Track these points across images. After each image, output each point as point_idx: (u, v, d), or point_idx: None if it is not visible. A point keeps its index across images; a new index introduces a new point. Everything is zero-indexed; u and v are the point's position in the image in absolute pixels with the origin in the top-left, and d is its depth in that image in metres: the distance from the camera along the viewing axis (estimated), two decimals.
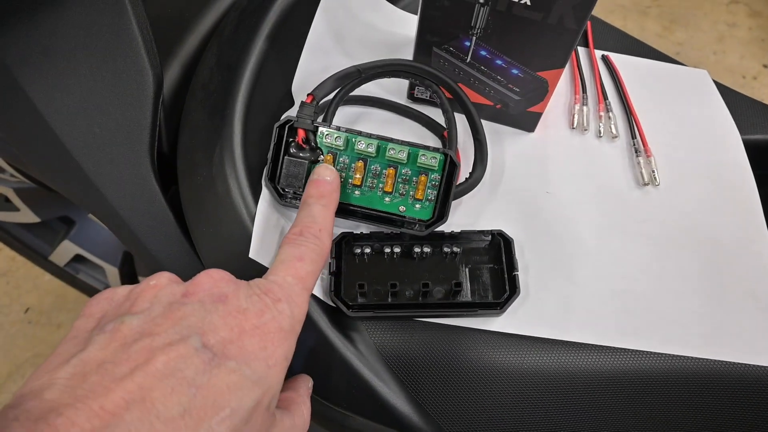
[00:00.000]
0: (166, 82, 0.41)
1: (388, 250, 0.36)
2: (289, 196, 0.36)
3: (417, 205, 0.35)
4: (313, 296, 0.35)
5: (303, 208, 0.32)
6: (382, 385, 0.34)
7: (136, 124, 0.37)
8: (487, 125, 0.42)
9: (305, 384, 0.31)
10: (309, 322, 0.34)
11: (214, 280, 0.26)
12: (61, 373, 0.20)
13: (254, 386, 0.22)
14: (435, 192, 0.35)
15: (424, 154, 0.34)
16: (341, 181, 0.35)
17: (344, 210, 0.36)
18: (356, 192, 0.35)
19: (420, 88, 0.42)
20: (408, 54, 0.45)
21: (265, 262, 0.34)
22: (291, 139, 0.35)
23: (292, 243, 0.29)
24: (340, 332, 0.35)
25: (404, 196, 0.35)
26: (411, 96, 0.43)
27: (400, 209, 0.35)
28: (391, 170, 0.35)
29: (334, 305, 0.34)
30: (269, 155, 0.35)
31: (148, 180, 0.37)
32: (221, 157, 0.36)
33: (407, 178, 0.35)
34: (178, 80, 0.42)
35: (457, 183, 0.37)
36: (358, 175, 0.35)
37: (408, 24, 0.48)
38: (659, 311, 0.36)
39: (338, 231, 0.37)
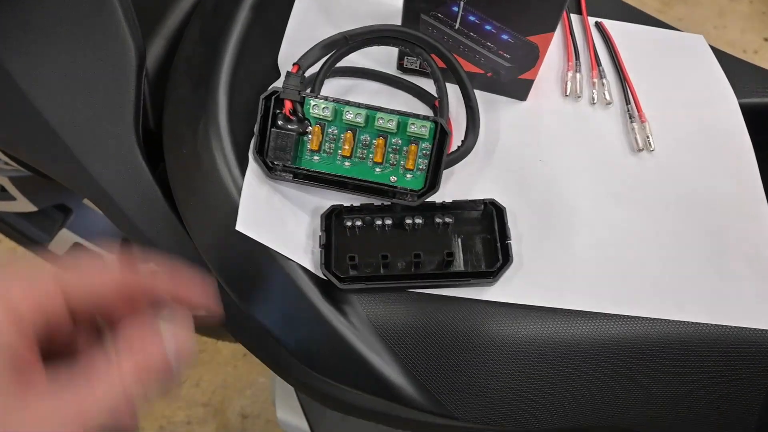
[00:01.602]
0: (151, 59, 0.40)
1: (379, 222, 0.36)
2: (278, 169, 0.35)
3: (408, 175, 0.35)
4: (304, 269, 0.34)
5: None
6: (375, 357, 0.34)
7: (119, 99, 0.36)
8: (478, 95, 0.41)
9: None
10: (300, 296, 0.34)
11: None
12: None
13: None
14: (426, 161, 0.34)
15: (413, 123, 0.33)
16: (330, 153, 0.34)
17: (335, 182, 0.35)
18: (346, 163, 0.35)
19: (410, 58, 0.42)
20: (395, 23, 0.44)
21: (252, 234, 0.33)
22: (278, 111, 0.34)
23: None
24: (332, 305, 0.34)
25: (395, 166, 0.35)
26: (400, 66, 0.43)
27: (392, 179, 0.35)
28: (381, 140, 0.34)
29: (325, 278, 0.34)
30: (256, 128, 0.34)
31: (134, 156, 0.37)
32: (206, 130, 0.35)
33: (397, 147, 0.34)
34: (163, 56, 0.41)
35: (449, 152, 0.36)
36: (347, 146, 0.34)
37: None
38: (655, 277, 0.36)
39: (328, 203, 0.36)
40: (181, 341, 0.24)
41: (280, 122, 0.34)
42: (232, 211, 0.34)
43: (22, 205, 0.79)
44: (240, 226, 0.33)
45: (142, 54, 0.36)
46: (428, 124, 0.33)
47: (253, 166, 0.35)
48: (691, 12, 1.58)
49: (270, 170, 0.35)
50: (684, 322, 0.34)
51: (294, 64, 0.34)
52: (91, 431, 0.22)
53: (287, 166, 0.35)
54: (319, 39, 0.37)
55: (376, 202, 0.36)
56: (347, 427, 0.69)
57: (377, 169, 0.35)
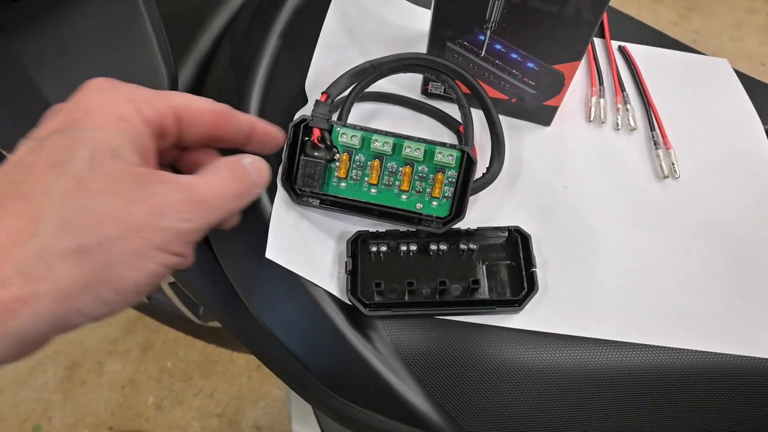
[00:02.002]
0: (180, 82, 0.41)
1: (404, 248, 0.36)
2: (306, 195, 0.36)
3: (434, 203, 0.35)
4: (330, 295, 0.34)
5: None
6: (399, 383, 0.34)
7: None
8: (502, 120, 0.41)
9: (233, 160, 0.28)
10: (325, 320, 0.34)
11: None
12: None
13: (85, 141, 0.23)
14: (452, 189, 0.35)
15: (440, 152, 0.34)
16: (357, 180, 0.35)
17: (361, 208, 0.36)
18: (372, 190, 0.35)
19: (434, 83, 0.42)
20: (421, 50, 0.45)
21: (281, 261, 0.34)
22: (306, 138, 0.35)
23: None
24: (357, 330, 0.34)
25: (421, 193, 0.35)
26: (425, 91, 0.43)
27: (417, 206, 0.35)
28: (408, 168, 0.35)
29: (350, 304, 0.34)
30: (284, 155, 0.35)
31: None
32: None
33: (424, 175, 0.35)
34: (192, 79, 0.42)
35: (474, 179, 0.36)
36: (374, 174, 0.35)
37: (421, 19, 0.47)
38: (681, 307, 0.36)
39: (353, 228, 0.36)
40: (259, 164, 0.29)
41: (308, 150, 0.35)
42: (260, 237, 0.34)
43: None
44: (270, 254, 0.33)
45: (174, 80, 0.37)
46: (455, 152, 0.34)
47: (281, 193, 0.36)
48: (708, 24, 1.58)
49: (297, 196, 0.35)
50: (710, 352, 0.34)
51: (323, 93, 0.35)
52: (210, 222, 0.25)
53: (314, 193, 0.35)
54: (345, 64, 0.37)
55: (402, 228, 0.36)
56: None
57: (403, 197, 0.35)
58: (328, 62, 0.43)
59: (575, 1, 0.33)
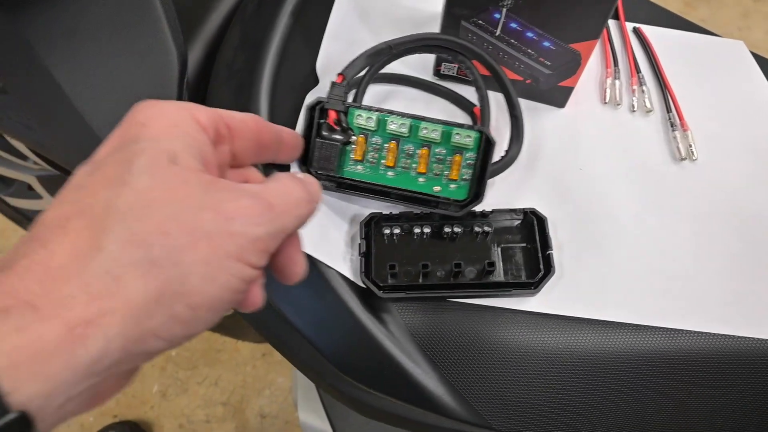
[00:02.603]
0: (189, 62, 0.40)
1: (417, 230, 0.36)
2: (322, 178, 0.35)
3: (452, 185, 0.34)
4: (344, 277, 0.34)
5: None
6: (413, 366, 0.34)
7: None
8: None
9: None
10: (339, 303, 0.34)
11: None
12: None
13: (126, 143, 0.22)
14: (470, 171, 0.34)
15: (458, 133, 0.33)
16: (374, 162, 0.34)
17: (378, 191, 0.35)
18: (389, 173, 0.35)
19: (447, 64, 0.41)
20: (433, 30, 0.44)
21: None
22: (322, 121, 0.34)
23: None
24: (371, 313, 0.34)
25: (438, 176, 0.34)
26: (437, 72, 0.42)
27: (435, 189, 0.34)
28: (425, 150, 0.34)
29: (364, 286, 0.34)
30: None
31: None
32: None
33: (441, 157, 0.34)
34: (201, 60, 0.41)
35: (492, 161, 0.36)
36: (390, 156, 0.34)
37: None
38: (699, 290, 0.35)
39: (366, 211, 0.36)
40: (311, 180, 0.27)
41: (324, 132, 0.34)
42: None
43: (48, 203, 0.80)
44: None
45: (184, 60, 0.36)
46: (473, 134, 0.33)
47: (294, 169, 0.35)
48: (714, 13, 1.56)
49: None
50: (728, 335, 0.34)
51: (338, 75, 0.34)
52: (282, 227, 0.23)
53: (331, 176, 0.35)
54: (356, 45, 0.37)
55: (416, 210, 0.36)
56: (371, 430, 0.69)
57: (421, 179, 0.34)
58: (339, 42, 0.42)
59: None
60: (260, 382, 1.08)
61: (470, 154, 0.34)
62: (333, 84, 0.33)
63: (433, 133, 0.33)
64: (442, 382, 0.34)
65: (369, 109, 0.34)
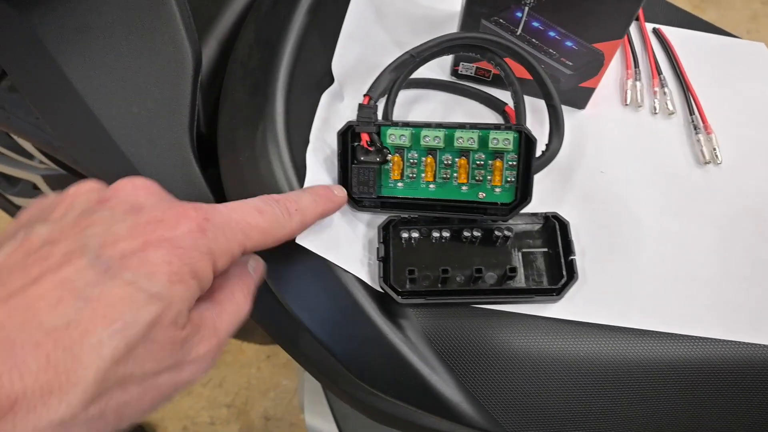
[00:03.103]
0: (202, 60, 0.40)
1: (436, 234, 0.35)
2: (364, 203, 0.35)
3: (497, 189, 0.33)
4: (360, 281, 0.33)
5: (297, 191, 0.32)
6: (431, 373, 0.33)
7: (175, 103, 0.35)
8: (535, 102, 0.40)
9: (241, 267, 0.28)
10: (356, 308, 0.33)
11: (134, 187, 0.24)
12: None
13: (151, 300, 0.21)
14: (514, 173, 0.33)
15: (495, 137, 0.32)
16: (413, 177, 0.34)
17: (421, 205, 0.34)
18: (431, 186, 0.34)
19: (465, 64, 0.40)
20: (452, 29, 0.43)
21: (311, 247, 0.32)
22: (355, 143, 0.33)
23: (263, 200, 0.28)
24: (389, 319, 0.33)
25: (481, 182, 0.33)
26: (455, 72, 0.42)
27: (480, 196, 0.33)
28: (463, 160, 0.33)
29: (382, 291, 0.33)
30: (337, 164, 0.34)
31: (187, 161, 0.36)
32: (264, 136, 0.35)
33: (481, 162, 0.33)
34: (215, 57, 0.40)
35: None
36: (429, 171, 0.33)
37: None
38: (725, 297, 0.34)
39: (384, 214, 0.35)
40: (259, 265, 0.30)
41: (359, 155, 0.34)
42: None
43: None
44: (300, 239, 0.32)
45: (198, 58, 0.36)
46: (511, 134, 0.32)
47: (311, 175, 0.34)
48: (723, 15, 1.55)
49: (357, 203, 0.35)
50: (757, 344, 0.33)
51: (365, 95, 0.33)
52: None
53: (372, 199, 0.34)
54: (371, 46, 0.36)
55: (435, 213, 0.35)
56: None
57: (464, 188, 0.34)
58: (356, 42, 0.41)
59: None
60: (265, 384, 1.08)
61: (511, 155, 0.33)
62: (360, 106, 0.33)
63: (470, 141, 0.32)
64: (459, 388, 0.33)
65: (401, 125, 0.33)
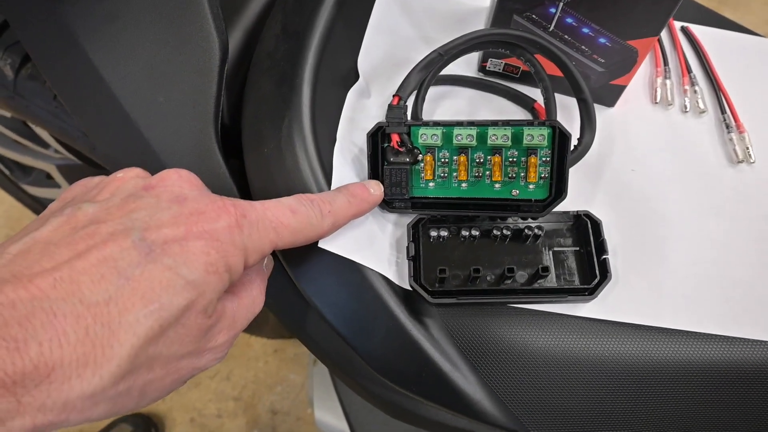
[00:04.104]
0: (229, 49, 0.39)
1: (465, 232, 0.34)
2: (395, 204, 0.34)
3: (531, 186, 0.33)
4: (384, 278, 0.33)
5: (333, 191, 0.32)
6: (452, 369, 0.32)
7: (201, 93, 0.35)
8: (560, 99, 0.39)
9: (258, 265, 0.30)
10: (381, 305, 0.32)
11: (180, 178, 0.26)
12: (11, 249, 0.21)
13: (187, 287, 0.22)
14: (548, 168, 0.32)
15: (529, 133, 0.31)
16: (445, 177, 0.33)
17: (454, 205, 0.34)
18: (463, 185, 0.33)
19: (494, 60, 0.40)
20: (479, 25, 0.43)
21: (338, 250, 0.32)
22: (386, 144, 0.33)
23: (297, 199, 0.28)
24: (411, 314, 0.33)
25: (515, 179, 0.33)
26: (482, 69, 0.41)
27: (513, 193, 0.33)
28: (497, 158, 0.32)
29: (410, 289, 0.33)
30: (368, 165, 0.33)
31: (212, 152, 0.36)
32: (290, 128, 0.34)
33: (514, 159, 0.32)
34: (240, 48, 0.40)
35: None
36: (462, 169, 0.33)
37: None
38: (761, 296, 0.34)
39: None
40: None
41: (390, 156, 0.33)
42: None
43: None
44: (323, 243, 0.32)
45: (225, 49, 0.35)
46: (545, 130, 0.31)
47: (337, 176, 0.34)
48: (740, 18, 1.52)
49: (388, 205, 0.34)
50: None
51: (394, 96, 0.33)
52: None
53: (404, 200, 0.34)
54: (399, 39, 0.35)
55: (494, 214, 0.34)
56: (391, 430, 0.68)
57: (497, 185, 0.33)
58: (382, 36, 0.41)
59: None
60: (272, 378, 1.07)
61: (545, 151, 0.32)
62: (390, 106, 0.32)
63: (503, 138, 0.32)
64: (481, 385, 0.32)
65: (432, 124, 0.32)
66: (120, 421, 0.97)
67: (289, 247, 0.28)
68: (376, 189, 0.33)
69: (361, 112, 0.37)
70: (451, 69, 0.40)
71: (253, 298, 0.28)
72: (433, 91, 0.40)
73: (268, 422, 1.04)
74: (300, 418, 1.05)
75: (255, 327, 1.02)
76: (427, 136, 0.32)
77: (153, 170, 0.36)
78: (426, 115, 0.38)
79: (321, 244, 0.32)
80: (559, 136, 0.31)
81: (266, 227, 0.26)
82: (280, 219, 0.27)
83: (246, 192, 0.37)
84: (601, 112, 0.40)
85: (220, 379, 1.07)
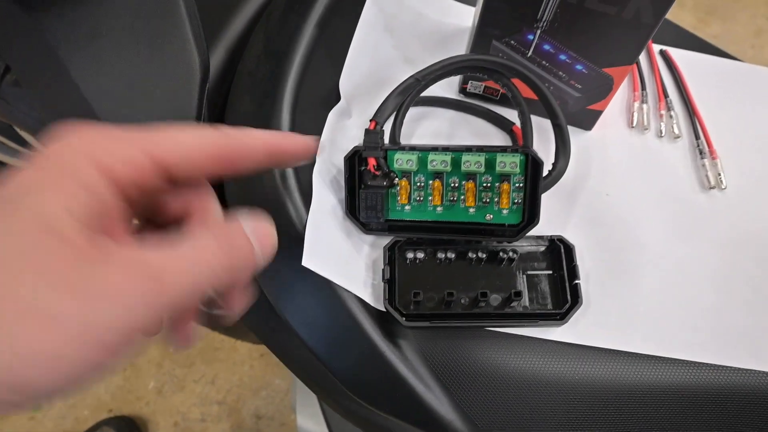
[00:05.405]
0: (210, 68, 0.39)
1: (441, 255, 0.35)
2: (372, 226, 0.35)
3: (504, 211, 0.33)
4: (358, 299, 0.33)
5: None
6: (425, 390, 0.33)
7: (181, 111, 0.35)
8: (540, 122, 0.40)
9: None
10: (354, 326, 0.33)
11: None
12: None
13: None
14: (521, 194, 0.33)
15: (502, 160, 0.32)
16: (421, 200, 0.34)
17: (428, 228, 0.34)
18: (438, 209, 0.34)
19: (474, 82, 0.40)
20: (460, 45, 0.43)
21: (316, 269, 0.32)
22: (363, 168, 0.33)
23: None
24: (385, 336, 0.33)
25: (488, 203, 0.33)
26: (463, 90, 0.41)
27: (487, 217, 0.34)
28: (471, 184, 0.33)
29: (383, 310, 0.33)
30: (344, 188, 0.34)
31: None
32: None
33: (488, 185, 0.33)
34: (222, 66, 0.40)
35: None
36: (436, 194, 0.34)
37: (458, 15, 0.45)
38: (728, 323, 0.34)
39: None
40: (263, 231, 0.22)
41: (366, 180, 0.34)
42: (293, 239, 0.33)
43: None
44: (306, 262, 0.32)
45: (206, 68, 0.35)
46: (518, 157, 0.32)
47: (317, 198, 0.34)
48: (727, 30, 1.55)
49: (365, 227, 0.35)
50: (757, 371, 0.33)
51: (371, 120, 0.33)
52: (165, 308, 0.19)
53: (380, 222, 0.34)
54: (381, 60, 0.36)
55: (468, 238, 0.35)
56: None
57: (471, 210, 0.34)
58: (364, 58, 0.41)
59: (635, 3, 0.31)
60: (257, 382, 1.07)
61: (518, 177, 0.33)
62: (367, 131, 0.33)
63: (476, 165, 0.32)
64: (453, 407, 0.33)
65: (407, 149, 0.33)
66: (103, 424, 0.97)
67: None
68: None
69: (342, 133, 0.38)
70: (433, 90, 0.41)
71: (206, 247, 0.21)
72: (413, 112, 0.40)
73: (252, 427, 1.04)
74: (284, 424, 1.05)
75: (241, 332, 1.02)
76: (402, 161, 0.33)
77: None
78: (406, 136, 0.38)
79: (304, 263, 0.33)
80: (532, 163, 0.32)
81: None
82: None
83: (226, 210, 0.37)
84: (578, 136, 0.41)
85: (205, 382, 1.07)
